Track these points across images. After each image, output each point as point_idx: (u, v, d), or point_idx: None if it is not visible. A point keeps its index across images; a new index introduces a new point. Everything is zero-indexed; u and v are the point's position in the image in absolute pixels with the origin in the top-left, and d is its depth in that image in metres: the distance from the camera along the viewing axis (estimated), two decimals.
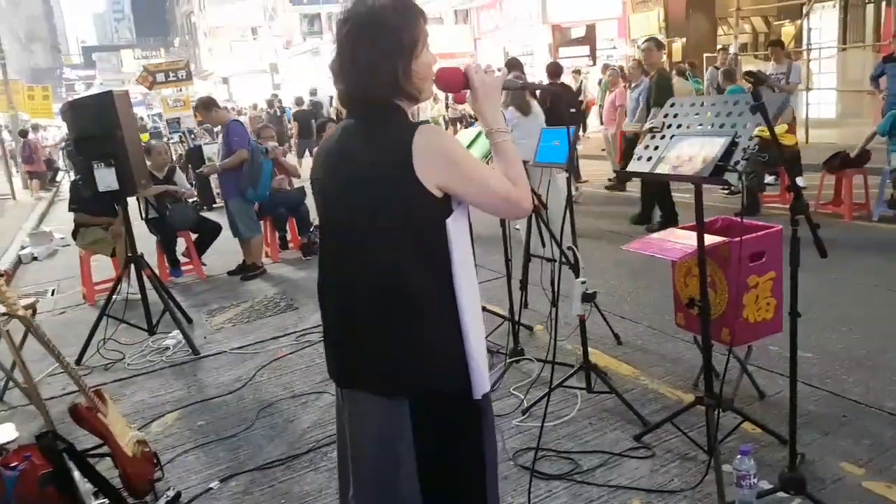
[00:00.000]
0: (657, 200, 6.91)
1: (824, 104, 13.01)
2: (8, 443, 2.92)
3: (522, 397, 3.50)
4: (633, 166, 2.62)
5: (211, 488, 3.05)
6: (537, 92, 6.65)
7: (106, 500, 2.81)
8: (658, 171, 2.50)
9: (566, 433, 3.15)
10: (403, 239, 1.58)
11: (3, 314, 3.97)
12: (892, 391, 3.25)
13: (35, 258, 8.93)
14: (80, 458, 2.69)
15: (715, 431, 2.63)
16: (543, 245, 4.11)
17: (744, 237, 2.82)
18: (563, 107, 6.82)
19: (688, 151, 2.45)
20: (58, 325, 5.75)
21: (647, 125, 2.66)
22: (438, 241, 1.59)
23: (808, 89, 11.32)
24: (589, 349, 3.98)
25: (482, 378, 1.68)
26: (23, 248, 9.16)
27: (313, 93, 18.91)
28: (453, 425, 1.71)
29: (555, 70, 8.81)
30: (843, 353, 3.73)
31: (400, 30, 1.58)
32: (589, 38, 19.24)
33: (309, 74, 30.20)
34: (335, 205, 1.67)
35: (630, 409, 3.18)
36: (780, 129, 2.18)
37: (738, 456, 2.33)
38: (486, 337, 3.98)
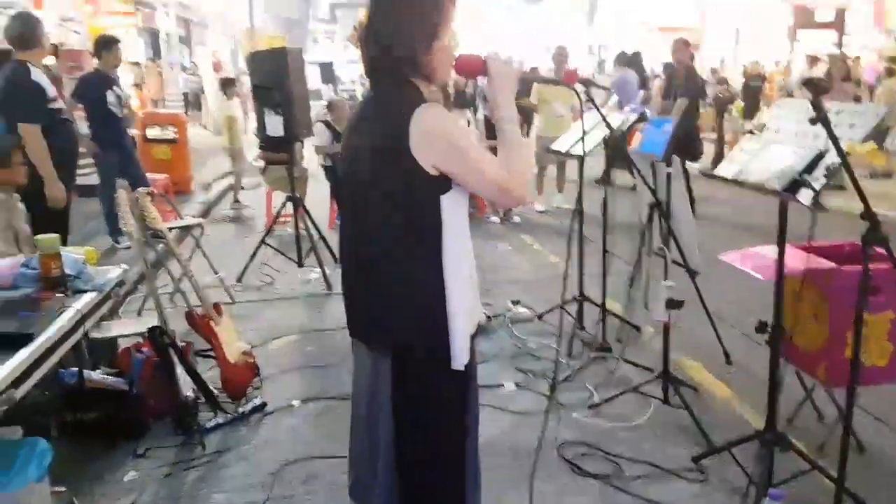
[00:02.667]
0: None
1: None
2: (141, 333, 3.47)
3: (594, 392, 3.45)
4: (719, 169, 2.46)
5: (292, 405, 3.43)
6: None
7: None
8: (740, 178, 2.32)
9: (625, 437, 3.07)
10: (395, 208, 1.68)
11: (172, 227, 4.67)
12: None
13: (242, 187, 10.13)
14: (181, 354, 3.16)
15: (767, 470, 2.44)
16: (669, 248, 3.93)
17: (851, 267, 2.53)
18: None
19: (774, 160, 2.25)
20: (237, 248, 6.54)
21: (748, 127, 2.43)
22: (430, 215, 1.68)
23: None
24: (690, 361, 3.83)
25: (461, 350, 1.76)
26: None
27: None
28: (433, 390, 1.79)
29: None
30: None
31: (426, 10, 1.67)
32: (837, 24, 17.13)
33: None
34: (345, 170, 1.81)
35: (699, 429, 3.01)
36: (865, 147, 1.85)
37: (767, 499, 2.16)
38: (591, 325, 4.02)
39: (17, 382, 2.05)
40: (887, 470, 2.86)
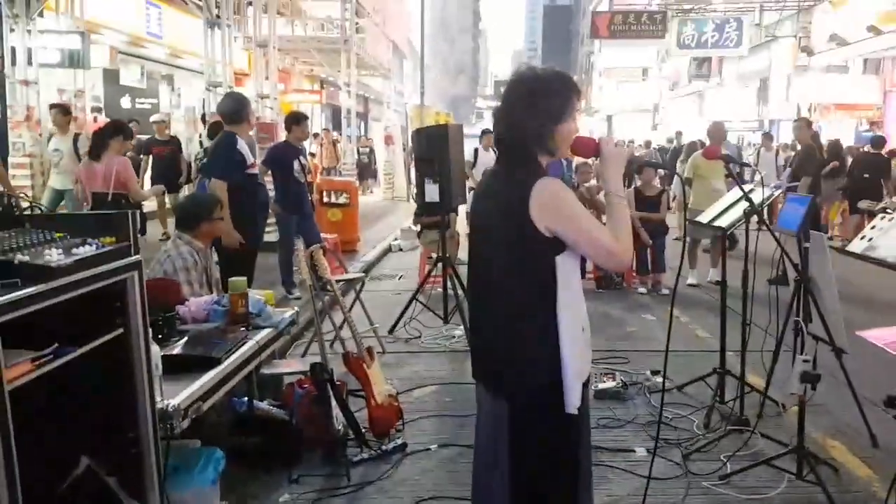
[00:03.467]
0: None
1: None
2: (304, 371, 3.94)
3: (727, 463, 3.39)
4: (851, 245, 2.47)
5: (429, 448, 3.71)
6: None
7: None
8: (869, 253, 2.34)
9: None
10: (515, 265, 1.95)
11: (339, 280, 5.23)
12: None
13: (401, 249, 10.88)
14: (337, 390, 3.56)
15: None
16: (810, 320, 3.82)
17: None
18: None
19: None
20: (391, 302, 7.09)
21: (881, 205, 2.31)
22: (546, 272, 1.93)
23: None
24: (832, 441, 3.67)
25: (574, 395, 1.95)
26: (395, 239, 11.24)
27: (673, 137, 18.89)
28: (549, 432, 2.00)
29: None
30: None
31: (555, 98, 1.95)
32: None
33: (688, 116, 29.79)
34: (477, 229, 2.11)
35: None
36: None
37: None
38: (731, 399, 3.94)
39: (204, 397, 2.51)
40: None
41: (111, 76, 11.08)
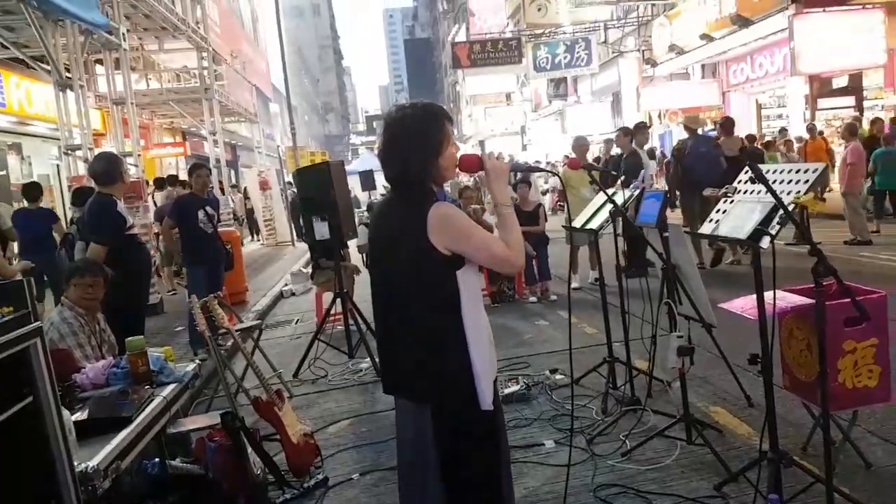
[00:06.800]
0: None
1: None
2: (215, 426, 3.91)
3: (626, 441, 3.71)
4: (702, 228, 2.85)
5: (352, 478, 3.78)
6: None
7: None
8: (715, 232, 2.71)
9: (654, 477, 3.33)
10: (420, 284, 2.11)
11: (237, 329, 5.19)
12: None
13: (293, 293, 10.77)
14: (251, 436, 3.56)
15: (775, 484, 2.68)
16: (680, 302, 4.25)
17: (834, 302, 2.83)
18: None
19: (741, 216, 2.64)
20: (290, 347, 7.06)
21: (723, 190, 2.69)
22: (448, 287, 2.10)
23: None
24: (714, 407, 4.07)
25: (486, 394, 2.14)
26: (286, 285, 11.11)
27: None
28: (469, 427, 2.16)
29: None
30: None
31: (426, 133, 2.14)
32: (854, 88, 17.57)
33: (552, 135, 31.49)
34: (378, 254, 2.27)
35: (720, 461, 3.25)
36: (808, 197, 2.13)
37: (766, 502, 2.40)
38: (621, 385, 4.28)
39: (121, 456, 2.49)
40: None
41: None
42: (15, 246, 8.40)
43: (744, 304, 3.04)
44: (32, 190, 8.41)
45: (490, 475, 2.20)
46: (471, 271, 2.15)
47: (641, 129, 9.26)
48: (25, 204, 8.38)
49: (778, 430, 3.69)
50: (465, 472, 2.16)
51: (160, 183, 13.30)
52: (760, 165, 2.69)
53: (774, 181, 2.60)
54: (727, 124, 9.24)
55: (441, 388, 2.14)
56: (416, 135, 2.12)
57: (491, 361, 2.21)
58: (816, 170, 2.52)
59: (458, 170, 2.25)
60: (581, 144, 8.87)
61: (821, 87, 17.47)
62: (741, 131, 17.93)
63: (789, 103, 18.25)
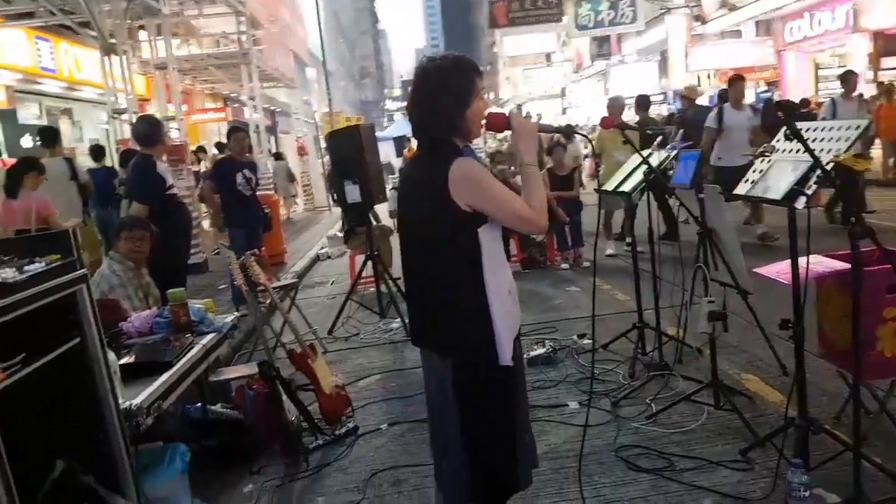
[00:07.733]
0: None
1: None
2: (253, 375, 4.06)
3: (651, 405, 3.74)
4: (737, 189, 2.82)
5: (380, 428, 3.91)
6: None
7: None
8: (751, 193, 2.68)
9: (678, 440, 3.36)
10: (441, 240, 2.15)
11: (275, 287, 5.33)
12: None
13: (329, 257, 10.94)
14: (286, 385, 3.70)
15: (802, 450, 2.69)
16: (715, 268, 4.21)
17: (876, 268, 2.78)
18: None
19: (778, 177, 2.61)
20: (326, 306, 7.20)
21: (760, 149, 2.59)
22: (470, 244, 2.12)
23: None
24: (746, 375, 4.06)
25: (505, 349, 2.17)
26: (322, 248, 11.29)
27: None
28: (488, 382, 2.21)
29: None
30: None
31: (457, 84, 2.14)
32: None
33: (594, 97, 30.68)
34: (404, 210, 2.31)
35: (747, 426, 3.26)
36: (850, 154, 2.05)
37: (791, 469, 2.42)
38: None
39: (163, 397, 2.62)
40: None
41: (8, 116, 10.68)
42: None
43: (779, 269, 3.01)
44: (98, 151, 9.31)
45: (505, 430, 2.25)
46: (493, 229, 2.16)
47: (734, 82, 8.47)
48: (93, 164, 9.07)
49: (812, 398, 3.68)
50: (481, 425, 2.22)
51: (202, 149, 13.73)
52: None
53: (814, 140, 2.55)
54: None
55: (460, 341, 2.19)
56: (446, 84, 2.12)
57: (514, 319, 2.24)
58: (859, 126, 2.46)
59: (484, 129, 2.26)
60: (615, 103, 8.71)
61: (885, 44, 16.61)
62: (795, 94, 17.23)
63: (850, 62, 17.36)
